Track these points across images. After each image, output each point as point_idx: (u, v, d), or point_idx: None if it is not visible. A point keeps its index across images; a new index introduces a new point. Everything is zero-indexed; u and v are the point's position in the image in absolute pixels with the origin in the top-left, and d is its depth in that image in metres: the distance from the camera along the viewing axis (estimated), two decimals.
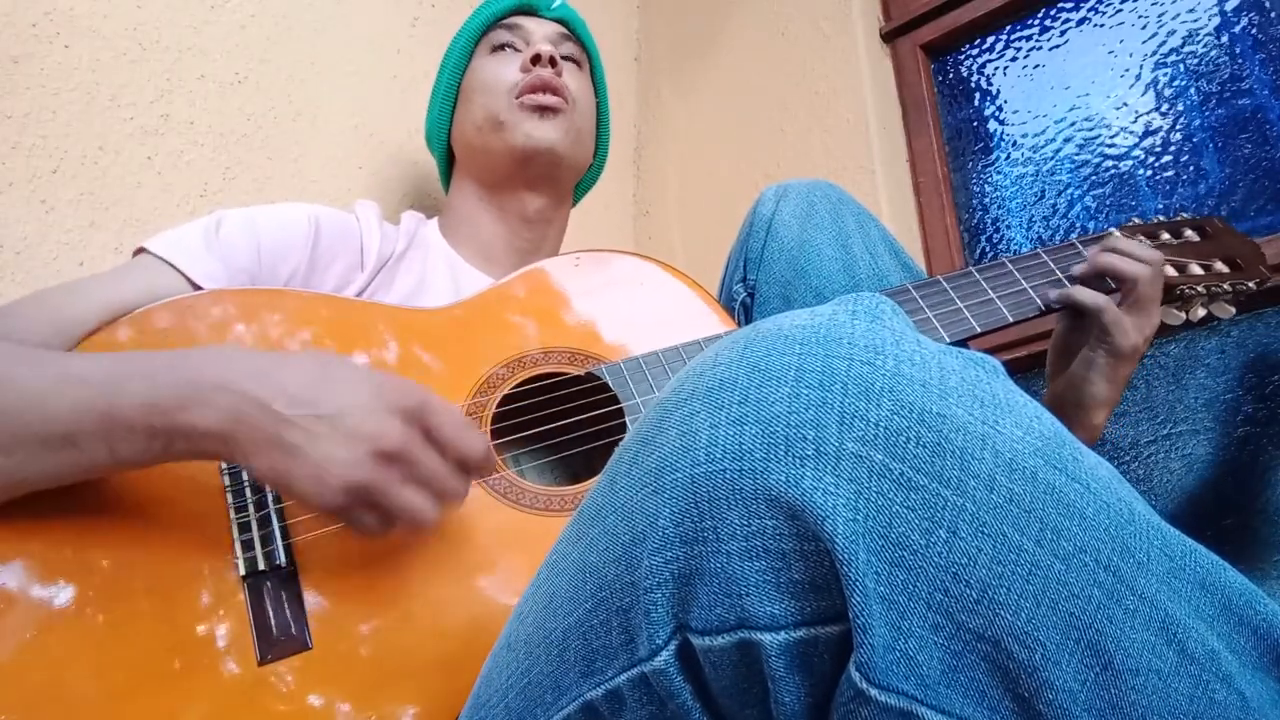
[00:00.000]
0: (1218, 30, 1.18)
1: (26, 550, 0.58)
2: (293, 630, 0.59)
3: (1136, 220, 0.92)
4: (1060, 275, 0.84)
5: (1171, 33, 1.22)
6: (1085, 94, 1.28)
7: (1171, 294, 0.83)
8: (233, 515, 0.63)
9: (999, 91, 1.37)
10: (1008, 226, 1.30)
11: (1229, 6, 1.18)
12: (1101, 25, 1.29)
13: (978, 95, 1.39)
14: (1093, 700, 0.35)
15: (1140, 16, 1.25)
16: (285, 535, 0.63)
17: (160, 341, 0.70)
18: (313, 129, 1.16)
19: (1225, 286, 0.85)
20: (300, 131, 1.15)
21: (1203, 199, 1.14)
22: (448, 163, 1.05)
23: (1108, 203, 1.22)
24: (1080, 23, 1.31)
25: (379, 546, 0.63)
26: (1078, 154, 1.26)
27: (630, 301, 0.83)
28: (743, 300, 0.93)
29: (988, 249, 1.31)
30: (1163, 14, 1.23)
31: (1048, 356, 0.87)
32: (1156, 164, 1.19)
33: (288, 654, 0.58)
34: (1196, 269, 0.86)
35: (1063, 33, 1.32)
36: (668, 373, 0.76)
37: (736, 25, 1.58)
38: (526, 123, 0.93)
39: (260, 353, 0.62)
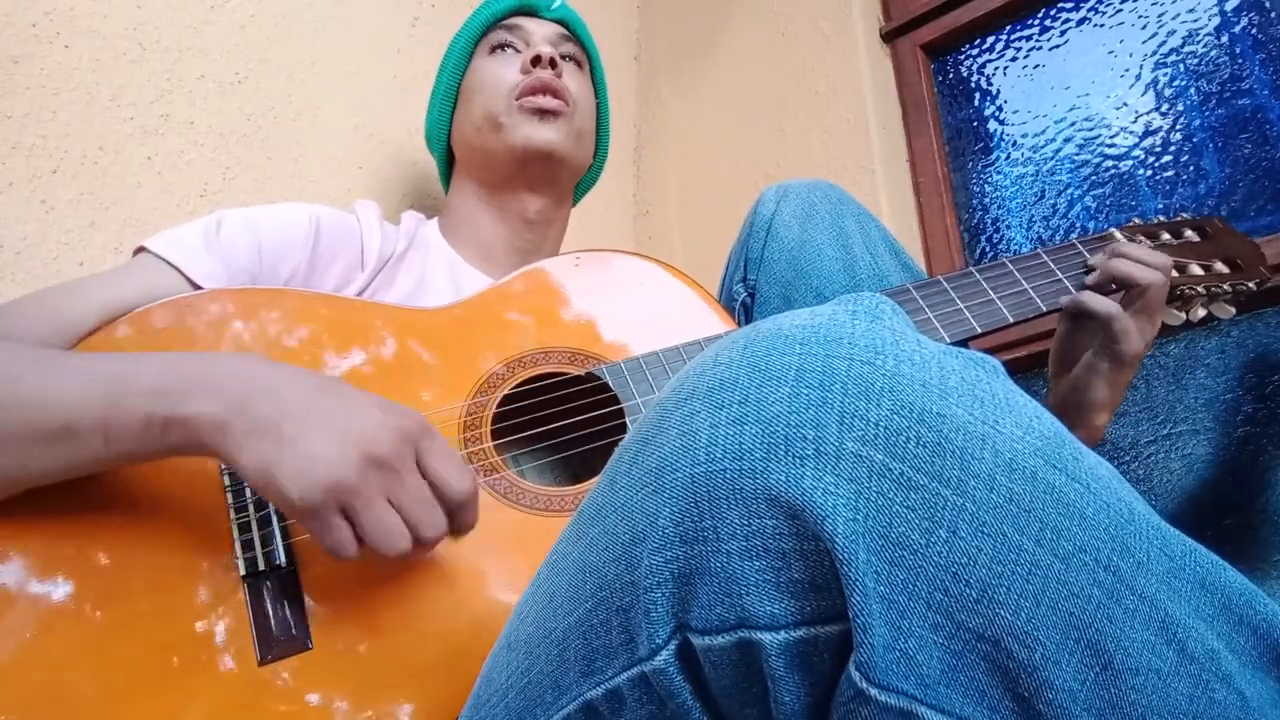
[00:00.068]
0: (1218, 30, 1.18)
1: (26, 549, 0.58)
2: (293, 630, 0.59)
3: (1137, 220, 0.92)
4: (1061, 276, 0.84)
5: (1171, 33, 1.22)
6: (1085, 94, 1.28)
7: (1172, 294, 0.83)
8: (233, 515, 0.63)
9: (999, 91, 1.37)
10: (1008, 226, 1.30)
11: (1229, 6, 1.18)
12: (1101, 25, 1.29)
13: (978, 95, 1.39)
14: (1092, 700, 0.35)
15: (1140, 16, 1.25)
16: (285, 535, 0.63)
17: (159, 341, 0.70)
18: (313, 129, 1.16)
19: (1225, 287, 0.85)
20: (300, 131, 1.15)
21: (1203, 199, 1.14)
22: (447, 163, 1.05)
23: (1108, 203, 1.22)
24: (1080, 23, 1.31)
25: None
26: (1078, 154, 1.26)
27: (630, 301, 0.83)
28: (743, 300, 0.93)
29: (988, 249, 1.31)
30: (1163, 14, 1.23)
31: (1050, 359, 0.87)
32: (1156, 164, 1.19)
33: (288, 654, 0.58)
34: (1197, 269, 0.86)
35: (1063, 33, 1.33)
36: (668, 373, 0.76)
37: (736, 25, 1.58)
38: (526, 125, 0.92)
39: (276, 361, 0.63)
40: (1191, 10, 1.21)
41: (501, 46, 0.99)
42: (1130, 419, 1.06)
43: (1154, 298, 0.79)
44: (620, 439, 0.48)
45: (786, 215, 0.92)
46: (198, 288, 0.75)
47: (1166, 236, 0.89)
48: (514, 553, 0.66)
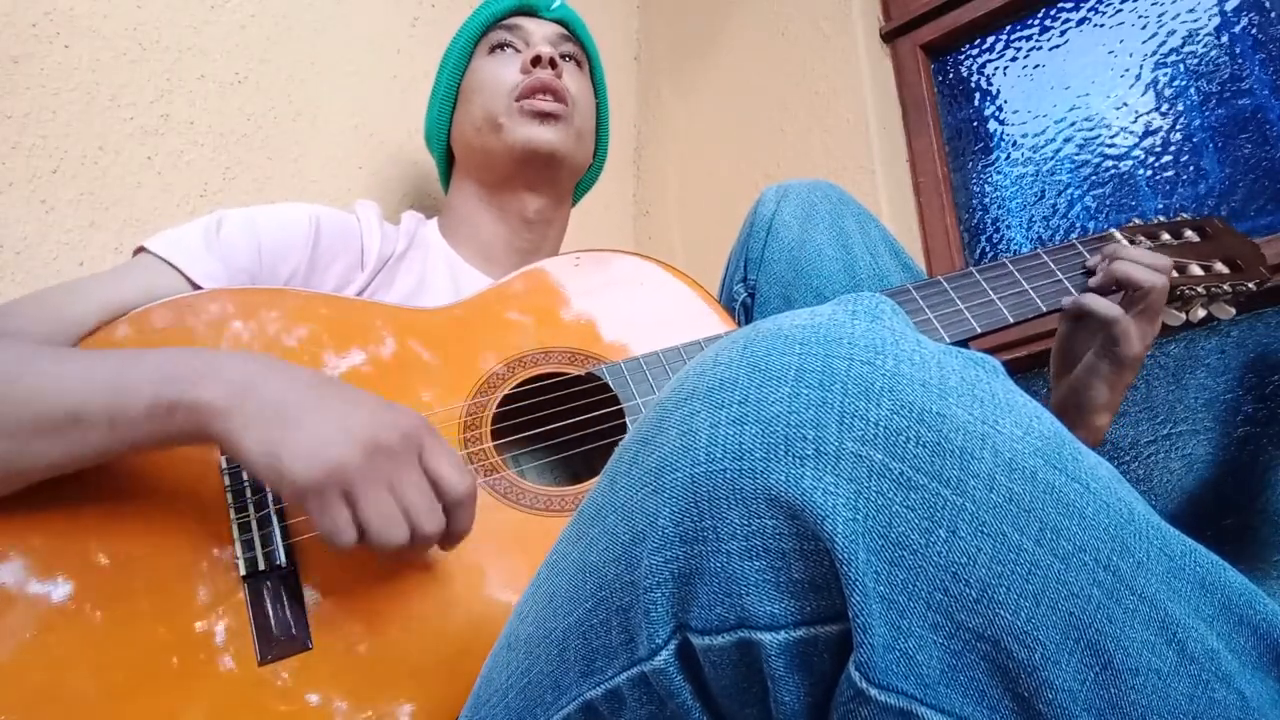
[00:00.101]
0: (1218, 30, 1.18)
1: (27, 549, 0.58)
2: (293, 630, 0.59)
3: (1137, 220, 0.92)
4: (1061, 276, 0.84)
5: (1171, 33, 1.22)
6: (1085, 94, 1.28)
7: (1172, 294, 0.83)
8: (233, 515, 0.63)
9: (999, 91, 1.37)
10: (1008, 226, 1.30)
11: (1229, 6, 1.18)
12: (1101, 25, 1.29)
13: (978, 95, 1.39)
14: (1092, 700, 0.35)
15: (1140, 16, 1.25)
16: (285, 535, 0.63)
17: (159, 340, 0.70)
18: (313, 129, 1.16)
19: (1225, 287, 0.85)
20: (300, 131, 1.15)
21: (1203, 199, 1.14)
22: (447, 163, 1.05)
23: (1108, 203, 1.22)
24: (1080, 23, 1.31)
25: None
26: (1078, 154, 1.26)
27: (630, 301, 0.83)
28: (743, 300, 0.93)
29: (988, 249, 1.31)
30: (1163, 14, 1.23)
31: (1051, 360, 0.87)
32: (1156, 164, 1.19)
33: (288, 654, 0.58)
34: (1197, 270, 0.86)
35: (1063, 33, 1.32)
36: (668, 373, 0.76)
37: (736, 25, 1.58)
38: (526, 126, 0.92)
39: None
40: (1191, 10, 1.21)
41: (501, 46, 0.99)
42: (1130, 419, 1.06)
43: (1155, 300, 0.79)
44: (620, 439, 0.48)
45: (786, 215, 0.92)
46: (198, 288, 0.75)
47: (1166, 237, 0.89)
48: (514, 553, 0.66)
